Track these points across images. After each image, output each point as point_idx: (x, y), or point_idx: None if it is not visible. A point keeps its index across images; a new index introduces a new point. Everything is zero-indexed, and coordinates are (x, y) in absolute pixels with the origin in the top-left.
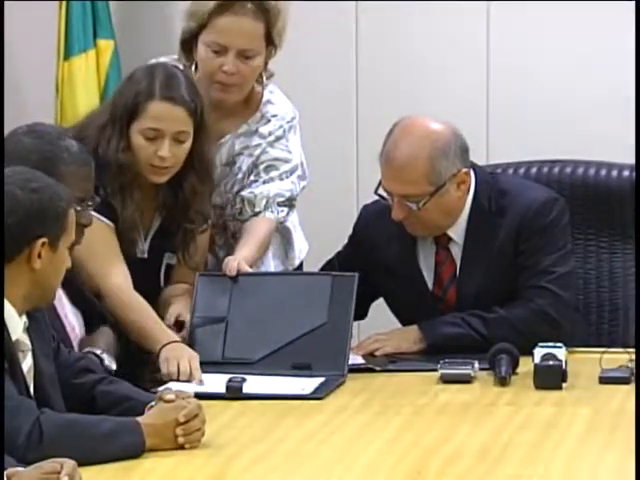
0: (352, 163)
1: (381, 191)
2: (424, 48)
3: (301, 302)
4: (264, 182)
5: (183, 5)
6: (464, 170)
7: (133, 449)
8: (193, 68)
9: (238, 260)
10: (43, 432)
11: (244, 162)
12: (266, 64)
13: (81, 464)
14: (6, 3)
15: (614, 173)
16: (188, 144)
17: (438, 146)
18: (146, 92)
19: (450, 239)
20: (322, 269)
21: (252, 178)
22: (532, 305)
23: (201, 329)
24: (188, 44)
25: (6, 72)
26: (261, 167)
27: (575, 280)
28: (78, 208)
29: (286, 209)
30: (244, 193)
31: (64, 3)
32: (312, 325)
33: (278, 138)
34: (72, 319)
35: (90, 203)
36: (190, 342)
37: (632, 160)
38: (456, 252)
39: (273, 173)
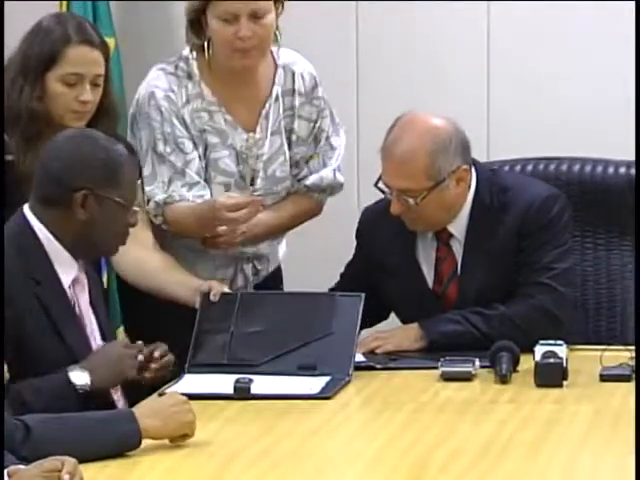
0: (352, 163)
1: (381, 185)
2: (424, 47)
3: (307, 318)
4: (325, 165)
5: (182, 5)
6: (464, 167)
7: (130, 439)
8: (205, 44)
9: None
10: (30, 427)
11: (302, 127)
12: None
13: (80, 461)
14: (6, 3)
15: (610, 170)
16: (101, 87)
17: (438, 142)
18: (62, 38)
19: (451, 235)
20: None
21: (315, 164)
22: (533, 301)
23: (205, 336)
24: (196, 22)
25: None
26: (321, 144)
27: (575, 276)
28: (137, 209)
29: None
30: (313, 179)
31: (65, 2)
32: (317, 335)
33: (314, 87)
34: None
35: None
36: (194, 347)
37: (627, 157)
38: (457, 248)
39: (330, 153)
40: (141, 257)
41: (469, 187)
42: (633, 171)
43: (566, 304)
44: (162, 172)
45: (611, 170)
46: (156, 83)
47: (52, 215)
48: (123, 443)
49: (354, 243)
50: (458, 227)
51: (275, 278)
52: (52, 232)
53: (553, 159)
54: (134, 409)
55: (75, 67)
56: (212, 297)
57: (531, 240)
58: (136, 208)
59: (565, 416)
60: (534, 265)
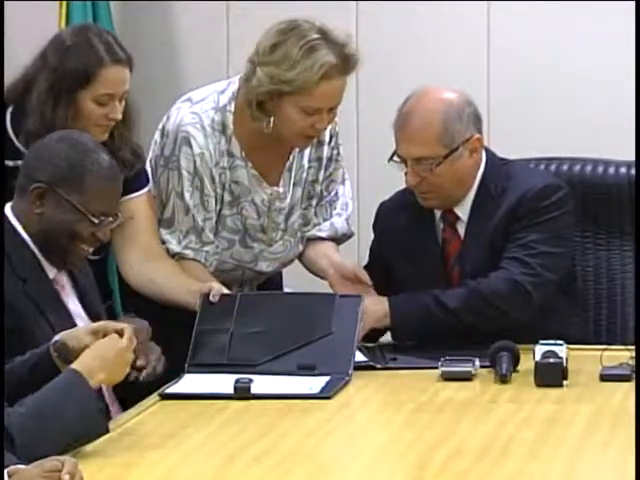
0: (353, 164)
1: (395, 159)
2: (424, 47)
3: (307, 318)
4: (338, 215)
5: (182, 5)
6: (477, 136)
7: (89, 402)
8: (271, 120)
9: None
10: (14, 438)
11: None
12: None
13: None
14: (6, 3)
15: (611, 170)
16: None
17: (452, 110)
18: (95, 59)
19: (458, 218)
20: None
21: (323, 213)
22: (505, 274)
23: (205, 336)
24: (266, 102)
25: (6, 72)
26: (331, 195)
27: (562, 266)
28: (96, 221)
29: None
30: (328, 231)
31: (64, 3)
32: (317, 335)
33: (334, 136)
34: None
35: (111, 219)
36: (194, 347)
37: (627, 157)
38: (462, 231)
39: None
40: (146, 265)
41: (478, 169)
42: (633, 171)
43: (542, 285)
44: (182, 222)
45: (611, 170)
46: (190, 131)
47: (19, 205)
48: (85, 407)
49: (354, 244)
50: (464, 209)
51: (275, 278)
52: (20, 222)
53: (554, 159)
54: (75, 365)
55: (108, 88)
56: (212, 298)
57: (521, 222)
58: (94, 220)
59: (565, 416)
60: (517, 241)
